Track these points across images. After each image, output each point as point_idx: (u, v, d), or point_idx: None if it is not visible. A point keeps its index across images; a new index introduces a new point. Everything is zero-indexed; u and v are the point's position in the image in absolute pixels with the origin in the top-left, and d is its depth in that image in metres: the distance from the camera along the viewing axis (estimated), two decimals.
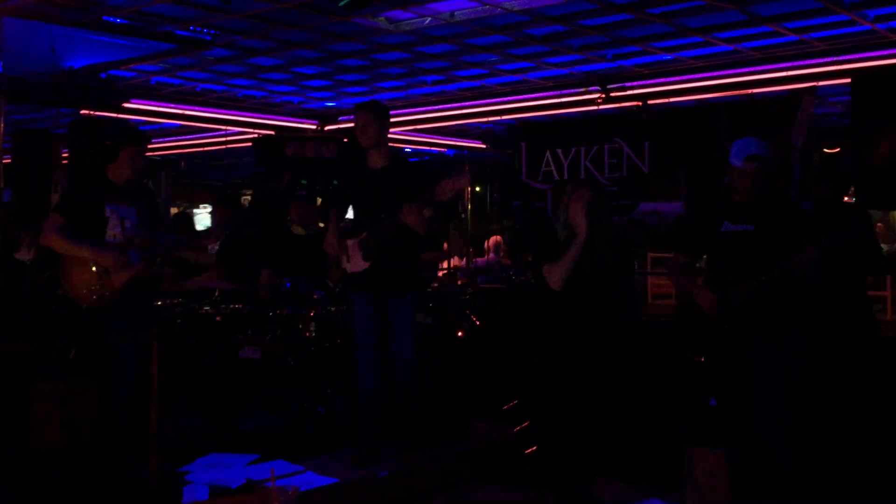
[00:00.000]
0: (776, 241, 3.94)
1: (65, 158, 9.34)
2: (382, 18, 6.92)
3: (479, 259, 9.40)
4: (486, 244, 9.64)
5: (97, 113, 9.09)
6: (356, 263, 5.03)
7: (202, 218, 15.14)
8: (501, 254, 9.52)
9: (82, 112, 9.16)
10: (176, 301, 6.23)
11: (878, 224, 9.96)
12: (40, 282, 6.23)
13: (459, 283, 7.35)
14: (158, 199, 5.57)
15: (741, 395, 4.16)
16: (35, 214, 7.89)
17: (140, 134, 5.07)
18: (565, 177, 6.44)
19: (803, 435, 4.01)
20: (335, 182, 5.56)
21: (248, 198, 11.38)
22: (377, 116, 5.05)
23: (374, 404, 5.15)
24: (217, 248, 6.43)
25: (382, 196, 4.94)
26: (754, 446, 4.20)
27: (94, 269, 4.71)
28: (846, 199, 5.57)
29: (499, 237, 9.62)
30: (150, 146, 5.47)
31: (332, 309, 6.05)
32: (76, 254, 4.71)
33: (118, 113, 9.35)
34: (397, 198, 4.82)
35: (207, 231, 5.15)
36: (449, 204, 5.35)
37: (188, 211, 12.17)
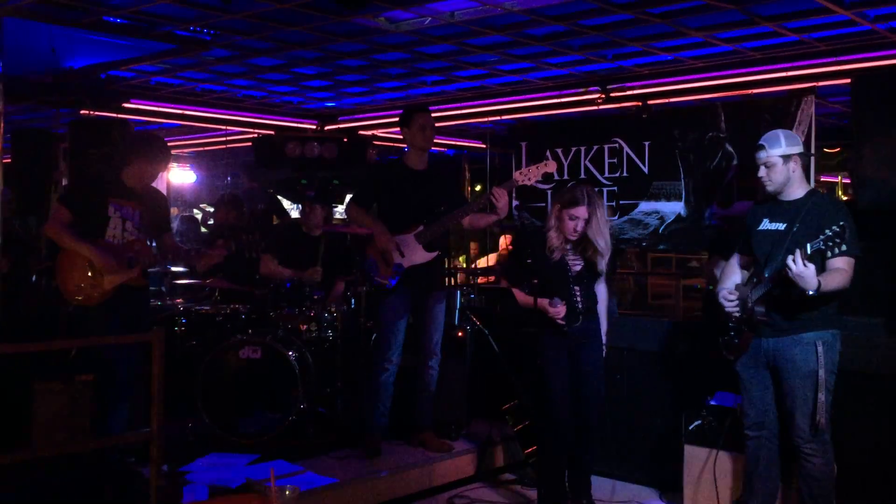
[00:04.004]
0: (801, 241, 3.86)
1: (65, 158, 9.34)
2: (382, 18, 6.91)
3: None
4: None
5: (97, 113, 9.08)
6: (413, 257, 5.16)
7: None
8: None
9: (82, 112, 9.15)
10: (176, 301, 6.23)
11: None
12: (43, 268, 6.24)
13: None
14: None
15: (766, 398, 4.18)
16: (34, 214, 7.90)
17: (162, 153, 5.05)
18: (565, 176, 6.42)
19: (825, 436, 4.01)
20: (365, 183, 5.67)
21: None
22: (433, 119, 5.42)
23: (388, 399, 5.28)
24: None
25: (431, 196, 5.27)
26: (776, 448, 4.22)
27: (88, 268, 4.70)
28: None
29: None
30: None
31: (332, 309, 6.06)
32: (75, 250, 4.70)
33: (118, 113, 9.35)
34: (444, 197, 5.28)
35: (211, 253, 5.11)
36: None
37: (194, 215, 12.15)
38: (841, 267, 3.86)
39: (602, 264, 4.53)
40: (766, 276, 3.99)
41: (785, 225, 4.05)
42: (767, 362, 4.12)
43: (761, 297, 4.00)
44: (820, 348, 3.95)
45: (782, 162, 4.07)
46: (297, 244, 6.32)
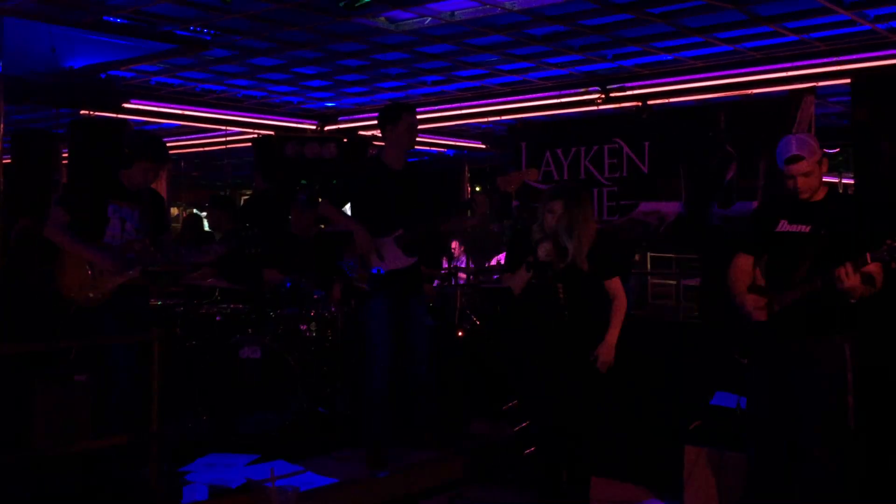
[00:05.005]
0: (832, 244, 3.81)
1: (65, 158, 9.34)
2: (382, 18, 6.92)
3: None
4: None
5: (97, 113, 9.09)
6: (393, 261, 5.08)
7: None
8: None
9: (82, 112, 9.16)
10: (176, 301, 6.23)
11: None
12: (40, 272, 6.23)
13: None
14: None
15: (780, 400, 4.09)
16: (34, 214, 7.89)
17: (162, 154, 5.05)
18: (565, 177, 6.42)
19: (840, 444, 3.96)
20: (339, 181, 5.59)
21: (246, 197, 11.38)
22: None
23: (386, 405, 5.21)
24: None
25: (410, 197, 5.12)
26: (784, 451, 4.16)
27: (89, 270, 4.70)
28: None
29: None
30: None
31: (333, 309, 6.07)
32: (74, 252, 4.70)
33: (118, 113, 9.36)
34: (424, 198, 5.12)
35: (210, 249, 5.09)
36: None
37: (199, 214, 12.17)
38: (876, 271, 3.79)
39: (581, 263, 4.42)
40: (799, 281, 3.88)
41: (810, 227, 3.94)
42: (790, 365, 4.01)
43: (793, 301, 3.91)
44: (848, 351, 3.88)
45: (819, 168, 3.96)
46: (289, 250, 6.29)
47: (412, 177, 5.23)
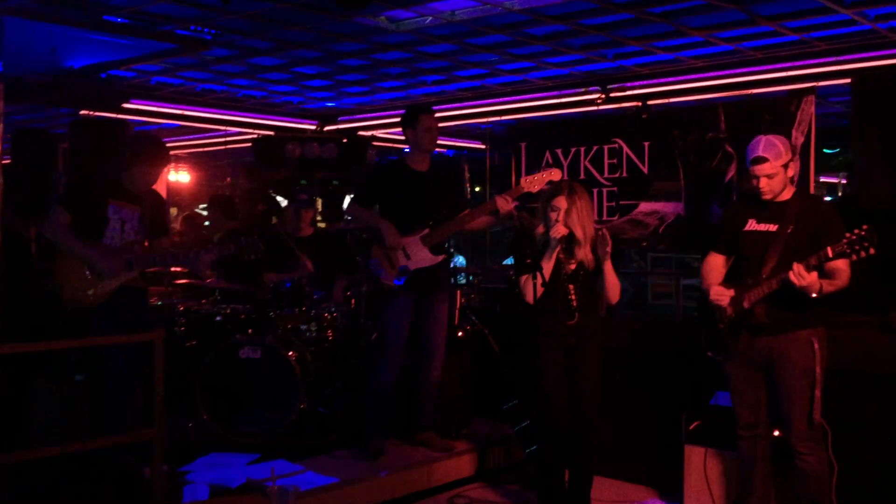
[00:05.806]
0: (798, 242, 3.96)
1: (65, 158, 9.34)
2: (383, 18, 6.92)
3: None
4: None
5: (97, 113, 9.08)
6: (420, 260, 5.16)
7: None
8: None
9: (82, 112, 9.15)
10: (176, 301, 6.23)
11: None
12: (39, 270, 6.24)
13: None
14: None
15: (758, 397, 4.20)
16: (34, 214, 7.88)
17: (163, 156, 5.04)
18: (565, 177, 6.40)
19: (818, 434, 4.05)
20: (365, 183, 5.67)
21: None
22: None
23: (390, 399, 5.30)
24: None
25: (435, 198, 5.25)
26: (768, 444, 4.24)
27: (87, 271, 4.69)
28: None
29: None
30: None
31: (333, 310, 6.06)
32: (73, 252, 4.70)
33: (118, 113, 9.35)
34: (447, 199, 5.28)
35: (207, 254, 5.05)
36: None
37: (197, 213, 12.14)
38: (841, 268, 3.90)
39: (588, 255, 4.43)
40: (765, 278, 4.00)
41: (777, 226, 4.06)
42: (761, 362, 4.12)
43: (760, 298, 4.02)
44: (816, 345, 3.99)
45: (784, 171, 4.07)
46: (285, 250, 6.27)
47: (436, 178, 5.35)
